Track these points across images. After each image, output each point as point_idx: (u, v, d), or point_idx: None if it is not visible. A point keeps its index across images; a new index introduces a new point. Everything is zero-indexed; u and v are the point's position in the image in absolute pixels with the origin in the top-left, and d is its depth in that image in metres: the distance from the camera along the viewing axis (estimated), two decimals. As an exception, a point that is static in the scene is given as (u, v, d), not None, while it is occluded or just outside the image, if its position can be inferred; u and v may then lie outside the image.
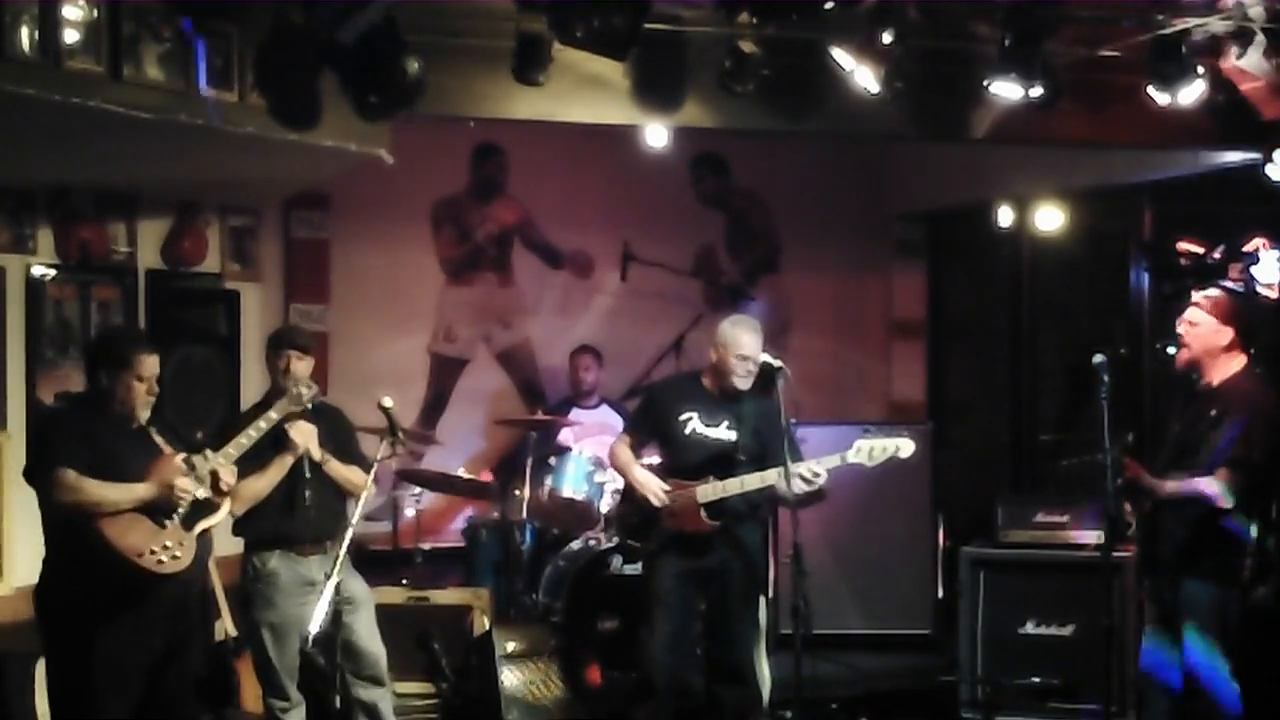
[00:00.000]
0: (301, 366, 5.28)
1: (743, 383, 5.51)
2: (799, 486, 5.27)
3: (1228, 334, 5.21)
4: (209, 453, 4.78)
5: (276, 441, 5.13)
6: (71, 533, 4.54)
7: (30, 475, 4.67)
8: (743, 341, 5.47)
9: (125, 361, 4.68)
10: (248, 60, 5.17)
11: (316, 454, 5.24)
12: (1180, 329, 5.30)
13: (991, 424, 8.83)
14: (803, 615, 5.08)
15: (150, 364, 4.73)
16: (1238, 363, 5.23)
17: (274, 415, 4.99)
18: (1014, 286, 8.64)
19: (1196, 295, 5.39)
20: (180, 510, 4.64)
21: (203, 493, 4.69)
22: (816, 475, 5.31)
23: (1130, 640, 5.87)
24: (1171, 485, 5.22)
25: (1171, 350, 5.39)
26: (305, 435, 5.20)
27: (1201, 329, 5.24)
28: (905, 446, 5.40)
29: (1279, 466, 5.26)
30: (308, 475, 5.21)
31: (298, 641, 5.23)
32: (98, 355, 4.80)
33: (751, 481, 5.42)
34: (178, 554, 4.62)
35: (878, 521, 7.31)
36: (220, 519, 4.84)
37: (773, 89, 5.74)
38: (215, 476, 4.74)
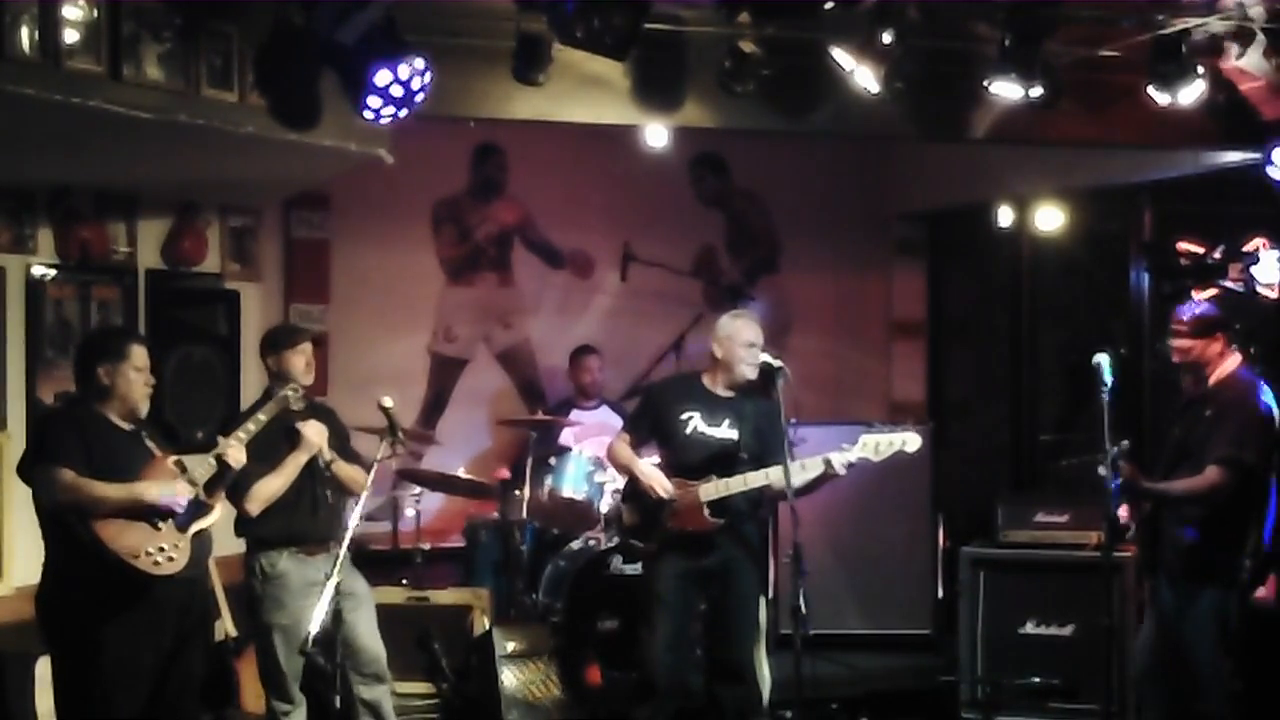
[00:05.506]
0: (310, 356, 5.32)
1: (751, 371, 5.49)
2: (816, 471, 5.30)
3: (1217, 343, 5.24)
4: (220, 438, 4.82)
5: (288, 440, 5.13)
6: (68, 533, 4.54)
7: (26, 473, 4.66)
8: (747, 330, 5.50)
9: (121, 354, 4.71)
10: (248, 60, 5.17)
11: (328, 454, 5.26)
12: (1175, 359, 5.34)
13: (991, 424, 8.82)
14: (802, 615, 5.08)
15: (143, 353, 4.77)
16: (1233, 361, 5.25)
17: (262, 417, 4.97)
18: (1014, 286, 8.63)
19: (1180, 311, 5.37)
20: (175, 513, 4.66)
21: (195, 493, 4.70)
22: (830, 464, 5.32)
23: (1130, 640, 5.87)
24: (1163, 486, 5.24)
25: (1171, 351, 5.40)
26: (319, 434, 5.22)
27: (1193, 352, 5.28)
28: (911, 440, 5.39)
29: (1273, 467, 5.27)
30: (327, 474, 5.23)
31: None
32: (92, 354, 4.79)
33: (755, 479, 5.41)
34: (173, 555, 4.64)
35: (878, 521, 7.31)
36: (213, 520, 4.85)
37: (773, 89, 5.74)
38: (220, 462, 4.76)
